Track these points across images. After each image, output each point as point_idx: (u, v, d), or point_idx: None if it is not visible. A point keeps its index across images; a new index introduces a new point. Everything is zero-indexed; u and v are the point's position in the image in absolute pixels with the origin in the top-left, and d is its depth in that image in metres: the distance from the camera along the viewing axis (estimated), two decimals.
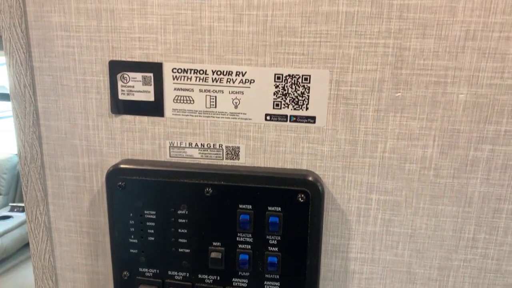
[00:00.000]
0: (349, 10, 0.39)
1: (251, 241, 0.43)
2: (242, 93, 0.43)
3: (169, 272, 0.45)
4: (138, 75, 0.43)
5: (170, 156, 0.45)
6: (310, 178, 0.42)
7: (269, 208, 0.42)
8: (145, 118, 0.45)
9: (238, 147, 0.44)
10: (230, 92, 0.43)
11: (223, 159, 0.45)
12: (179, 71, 0.43)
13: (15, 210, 2.79)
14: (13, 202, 2.95)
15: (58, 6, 0.43)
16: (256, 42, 0.41)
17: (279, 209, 0.42)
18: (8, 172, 2.91)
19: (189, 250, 0.44)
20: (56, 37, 0.44)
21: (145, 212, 0.44)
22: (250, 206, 0.42)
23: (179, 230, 0.44)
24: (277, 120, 0.43)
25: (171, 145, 0.45)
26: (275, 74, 0.42)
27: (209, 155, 0.45)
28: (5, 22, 0.44)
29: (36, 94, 0.46)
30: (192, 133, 0.44)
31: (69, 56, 0.44)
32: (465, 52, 0.39)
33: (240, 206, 0.43)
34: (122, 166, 0.44)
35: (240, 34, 0.41)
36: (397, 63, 0.40)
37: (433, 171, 0.42)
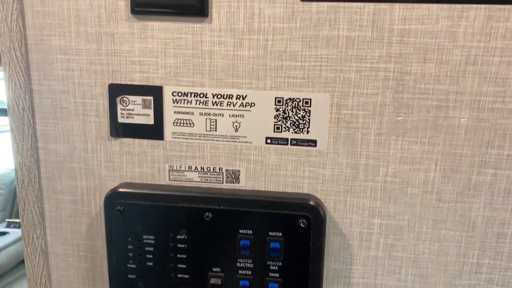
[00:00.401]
0: (349, 35, 0.39)
1: (252, 267, 0.42)
2: (243, 116, 0.42)
3: None
4: (138, 98, 0.43)
5: (169, 180, 0.45)
6: (312, 203, 0.41)
7: (270, 233, 0.42)
8: (144, 142, 0.44)
9: (239, 171, 0.44)
10: (231, 115, 0.43)
11: (223, 182, 0.44)
12: (179, 94, 0.43)
13: (12, 226, 2.76)
14: (10, 218, 2.92)
15: (58, 29, 0.43)
16: (256, 66, 0.41)
17: (280, 234, 0.41)
18: (5, 187, 2.89)
19: (188, 276, 0.43)
20: (56, 60, 0.43)
21: (144, 237, 0.43)
22: (250, 231, 0.42)
23: (178, 256, 0.43)
24: (278, 144, 0.43)
25: (171, 168, 0.45)
26: (275, 98, 0.42)
27: (209, 179, 0.44)
28: (5, 45, 0.43)
29: (35, 117, 0.45)
30: (192, 157, 0.44)
31: (69, 79, 0.44)
32: (466, 76, 0.39)
33: (241, 231, 0.42)
34: (120, 190, 0.44)
35: (240, 58, 0.41)
36: (398, 87, 0.40)
37: (435, 195, 0.41)
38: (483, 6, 0.37)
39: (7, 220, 2.87)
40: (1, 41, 0.43)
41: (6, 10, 0.43)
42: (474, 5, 0.37)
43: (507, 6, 0.37)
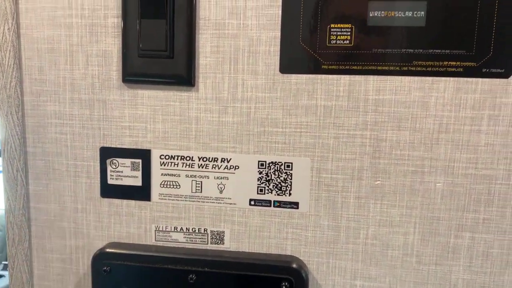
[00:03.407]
0: (327, 104, 0.41)
1: None
2: (227, 178, 0.44)
3: None
4: (127, 161, 0.45)
5: (155, 240, 0.46)
6: (294, 265, 0.42)
7: None
8: (132, 202, 0.46)
9: (223, 232, 0.45)
10: (215, 177, 0.44)
11: (208, 243, 0.45)
12: (167, 157, 0.44)
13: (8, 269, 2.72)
14: (6, 260, 2.88)
15: (53, 96, 0.45)
16: (240, 132, 0.43)
17: None
18: (3, 229, 2.88)
19: None
20: (50, 124, 0.46)
21: None
22: None
23: None
24: (261, 205, 0.44)
25: (157, 229, 0.46)
26: (258, 161, 0.43)
27: (194, 239, 0.45)
28: (3, 110, 0.46)
29: (28, 177, 0.47)
30: (178, 217, 0.45)
31: (62, 142, 0.46)
32: (439, 143, 0.40)
33: None
34: (107, 250, 0.44)
35: (225, 124, 0.43)
36: (375, 153, 0.41)
37: (415, 257, 0.42)
38: (451, 78, 0.39)
39: (3, 262, 2.83)
40: None
41: (5, 78, 0.45)
42: (443, 78, 0.39)
43: (474, 79, 0.39)
